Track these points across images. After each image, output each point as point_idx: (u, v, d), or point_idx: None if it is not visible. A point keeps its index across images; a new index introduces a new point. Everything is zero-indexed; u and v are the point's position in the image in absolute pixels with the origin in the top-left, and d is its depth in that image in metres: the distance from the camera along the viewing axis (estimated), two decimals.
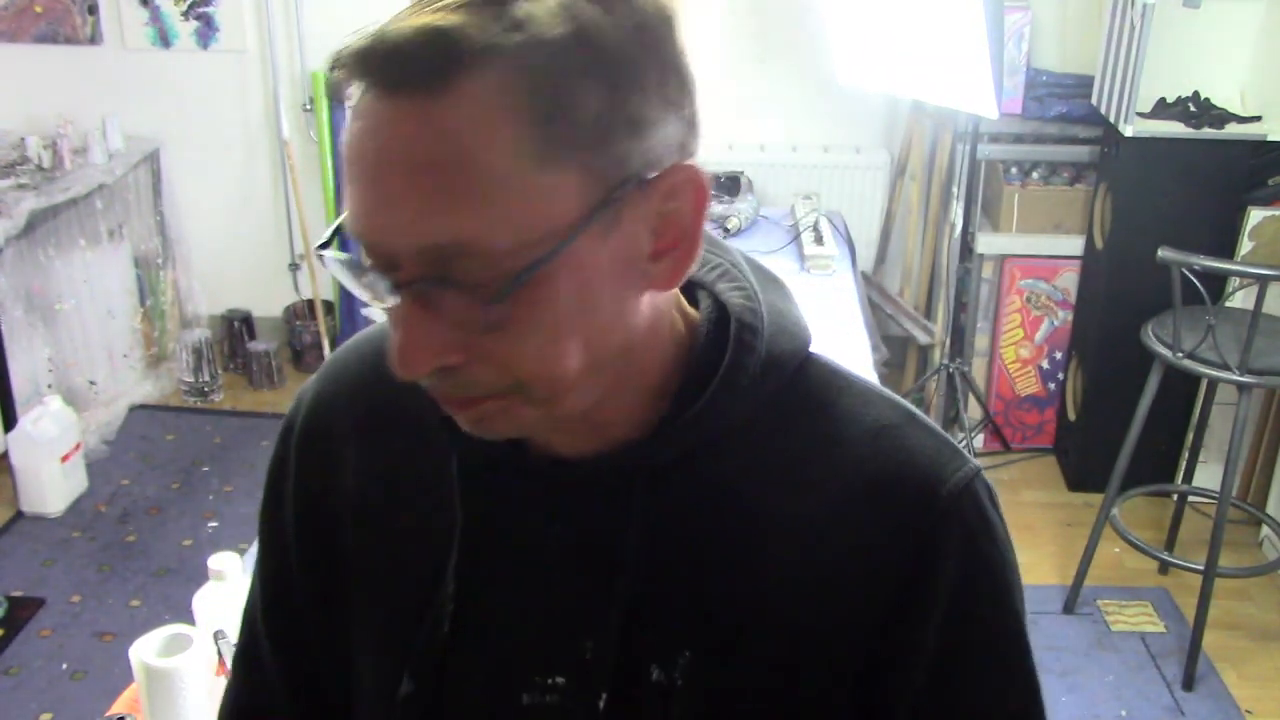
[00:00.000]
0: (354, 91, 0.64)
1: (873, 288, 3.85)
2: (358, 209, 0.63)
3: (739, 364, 0.75)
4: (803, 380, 0.78)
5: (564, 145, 0.61)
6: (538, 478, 0.77)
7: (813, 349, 0.81)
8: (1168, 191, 3.23)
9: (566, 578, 0.77)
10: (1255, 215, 3.19)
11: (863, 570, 0.74)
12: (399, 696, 0.79)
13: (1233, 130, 3.19)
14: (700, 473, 0.75)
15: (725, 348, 0.75)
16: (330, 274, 0.69)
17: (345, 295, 4.11)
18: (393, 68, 0.61)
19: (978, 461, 0.79)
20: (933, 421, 0.80)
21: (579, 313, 0.65)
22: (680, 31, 0.65)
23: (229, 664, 1.35)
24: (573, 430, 0.75)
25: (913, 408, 0.80)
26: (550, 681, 0.77)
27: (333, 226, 0.67)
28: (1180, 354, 2.73)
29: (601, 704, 0.75)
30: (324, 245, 0.67)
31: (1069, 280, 3.61)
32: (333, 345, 4.15)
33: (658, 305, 0.72)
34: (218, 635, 1.38)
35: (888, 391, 0.81)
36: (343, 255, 0.67)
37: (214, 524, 3.35)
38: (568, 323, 0.64)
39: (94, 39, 3.97)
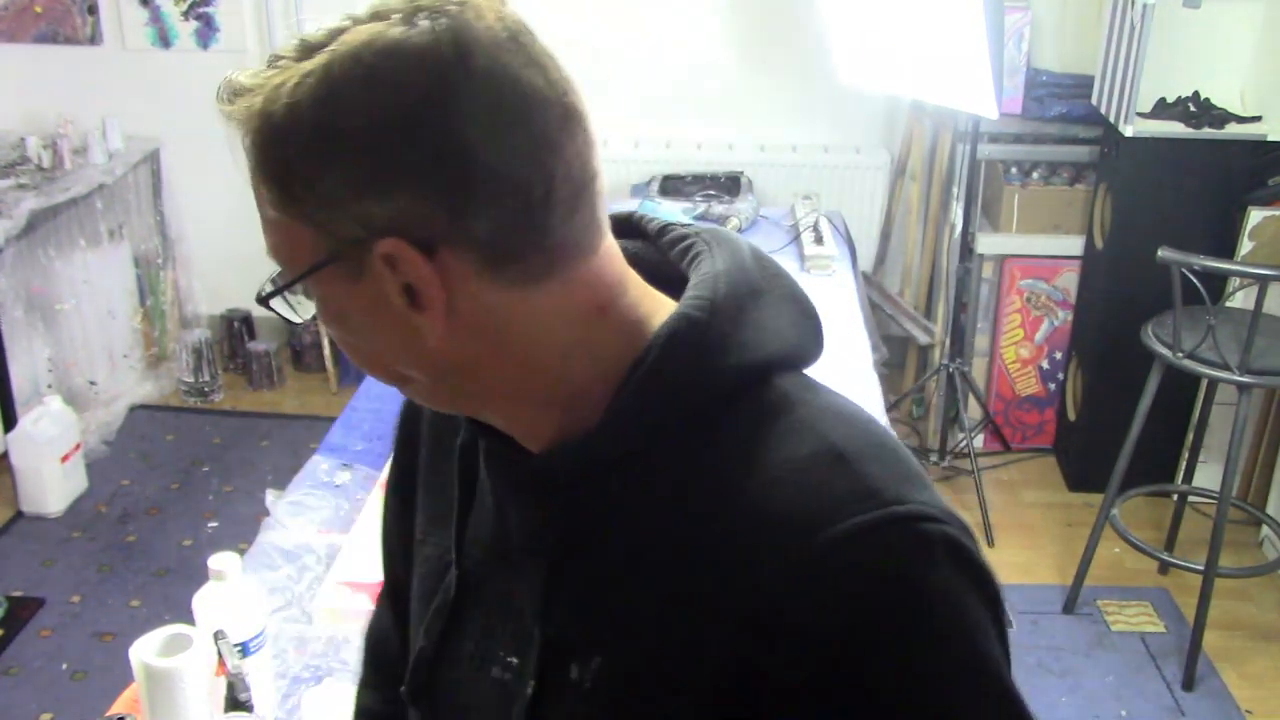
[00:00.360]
0: None
1: (873, 288, 3.85)
2: None
3: (660, 370, 0.74)
4: (752, 398, 0.75)
5: (293, 203, 0.72)
6: (504, 465, 0.82)
7: (798, 369, 0.78)
8: (1168, 191, 3.23)
9: (529, 564, 0.80)
10: (1255, 215, 3.19)
11: (738, 609, 0.70)
12: (414, 650, 0.88)
13: (1233, 130, 3.19)
14: (624, 480, 0.76)
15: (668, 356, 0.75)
16: None
17: None
18: (223, 108, 0.77)
19: (937, 511, 0.70)
20: (875, 462, 0.72)
21: (362, 332, 0.75)
22: (470, 117, 0.68)
23: (229, 663, 1.35)
24: (525, 424, 0.79)
25: (848, 448, 0.73)
26: (508, 660, 0.82)
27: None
28: (1180, 354, 2.73)
29: (529, 691, 0.78)
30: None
31: (1069, 280, 3.61)
32: (333, 345, 4.16)
33: (536, 328, 0.74)
34: (218, 635, 1.38)
35: (833, 427, 0.74)
36: None
37: (214, 524, 3.35)
38: (360, 337, 0.76)
39: (94, 39, 3.97)
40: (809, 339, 0.80)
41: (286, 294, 0.77)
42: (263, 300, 0.78)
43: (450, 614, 0.86)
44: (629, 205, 3.27)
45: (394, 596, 1.04)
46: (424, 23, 0.69)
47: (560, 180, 0.71)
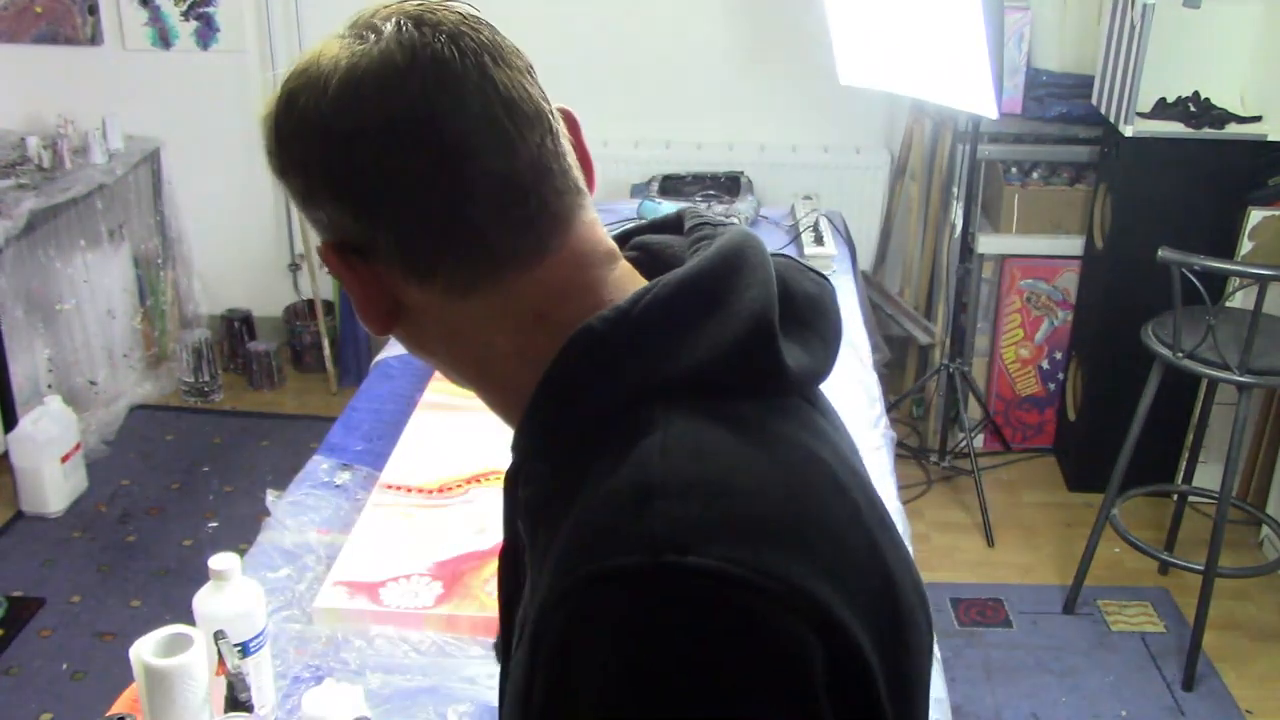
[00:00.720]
0: None
1: (873, 288, 3.85)
2: None
3: (547, 380, 0.74)
4: (628, 420, 0.70)
5: (293, 196, 0.78)
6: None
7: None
8: (1168, 191, 3.23)
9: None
10: (1255, 215, 3.19)
11: (530, 636, 0.67)
12: None
13: (1233, 130, 3.19)
14: (530, 487, 0.78)
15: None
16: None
17: (345, 295, 4.11)
18: None
19: (741, 572, 0.61)
20: (685, 507, 0.64)
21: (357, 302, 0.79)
22: (365, 137, 0.72)
23: (229, 663, 1.35)
24: (505, 419, 0.82)
25: (675, 485, 0.65)
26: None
27: None
28: (1180, 354, 2.73)
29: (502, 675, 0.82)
30: None
31: (1069, 280, 3.61)
32: (333, 345, 4.16)
33: (477, 332, 0.77)
34: (218, 635, 1.38)
35: (679, 462, 0.67)
36: None
37: (214, 524, 3.35)
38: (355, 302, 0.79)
39: (94, 39, 3.97)
40: (742, 364, 0.72)
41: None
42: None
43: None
44: (629, 205, 3.28)
45: None
46: (347, 40, 0.74)
47: (481, 198, 0.73)
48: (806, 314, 0.79)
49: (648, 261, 0.83)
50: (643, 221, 0.88)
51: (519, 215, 0.74)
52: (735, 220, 0.87)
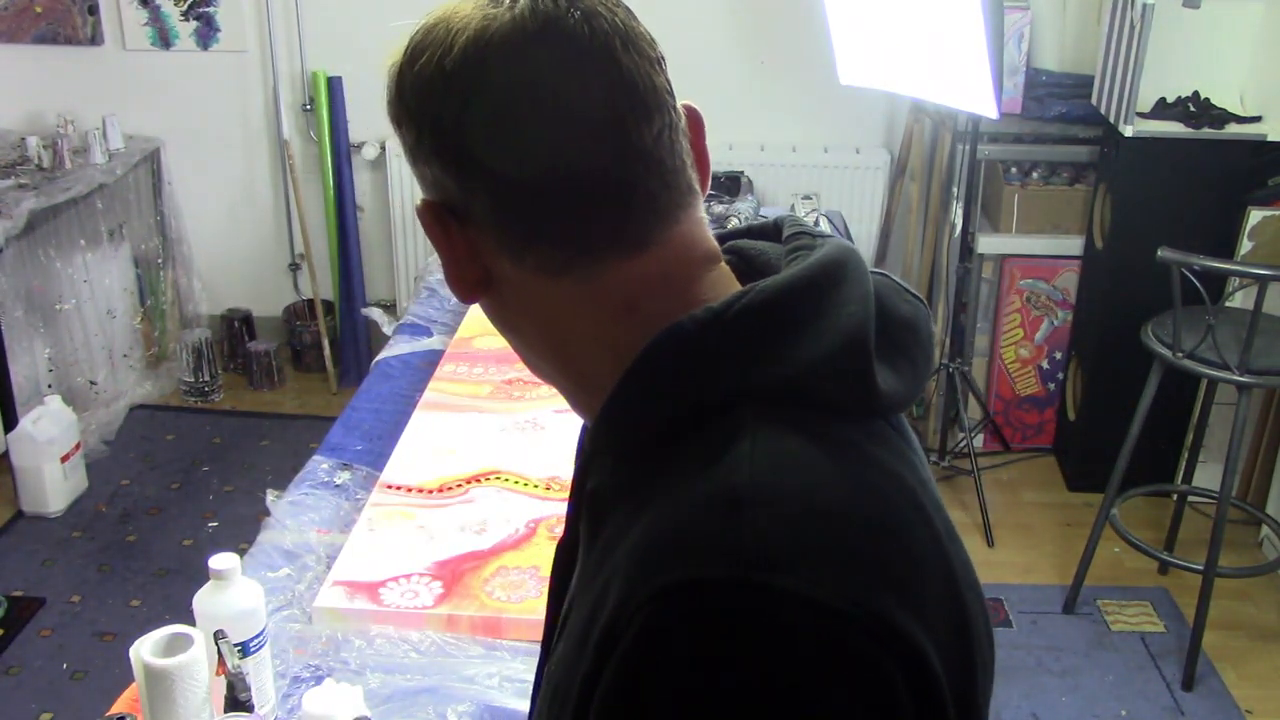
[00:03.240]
0: None
1: None
2: None
3: (632, 374, 0.73)
4: (717, 423, 0.69)
5: (404, 148, 0.78)
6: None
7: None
8: (1168, 191, 3.23)
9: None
10: (1255, 215, 3.19)
11: (592, 642, 0.66)
12: None
13: (1233, 130, 3.19)
14: (612, 468, 0.77)
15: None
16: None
17: (345, 295, 4.11)
18: None
19: (831, 599, 0.60)
20: (773, 523, 0.63)
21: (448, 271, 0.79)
22: (474, 108, 0.73)
23: (229, 663, 1.35)
24: (576, 405, 0.83)
25: (763, 498, 0.64)
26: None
27: None
28: (1180, 354, 2.73)
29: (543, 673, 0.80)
30: None
31: (1069, 280, 3.61)
32: (333, 345, 4.16)
33: (563, 315, 0.77)
34: (218, 635, 1.38)
35: (768, 474, 0.66)
36: None
37: (214, 524, 3.35)
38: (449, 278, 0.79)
39: (94, 39, 3.97)
40: (834, 381, 0.70)
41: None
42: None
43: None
44: None
45: None
46: (484, 2, 0.73)
47: (586, 181, 0.72)
48: (900, 336, 0.77)
49: (741, 267, 0.81)
50: (739, 226, 0.88)
51: (622, 204, 0.73)
52: (834, 234, 0.84)
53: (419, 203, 0.78)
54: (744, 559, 0.61)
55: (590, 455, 0.79)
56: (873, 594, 0.62)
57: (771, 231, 0.85)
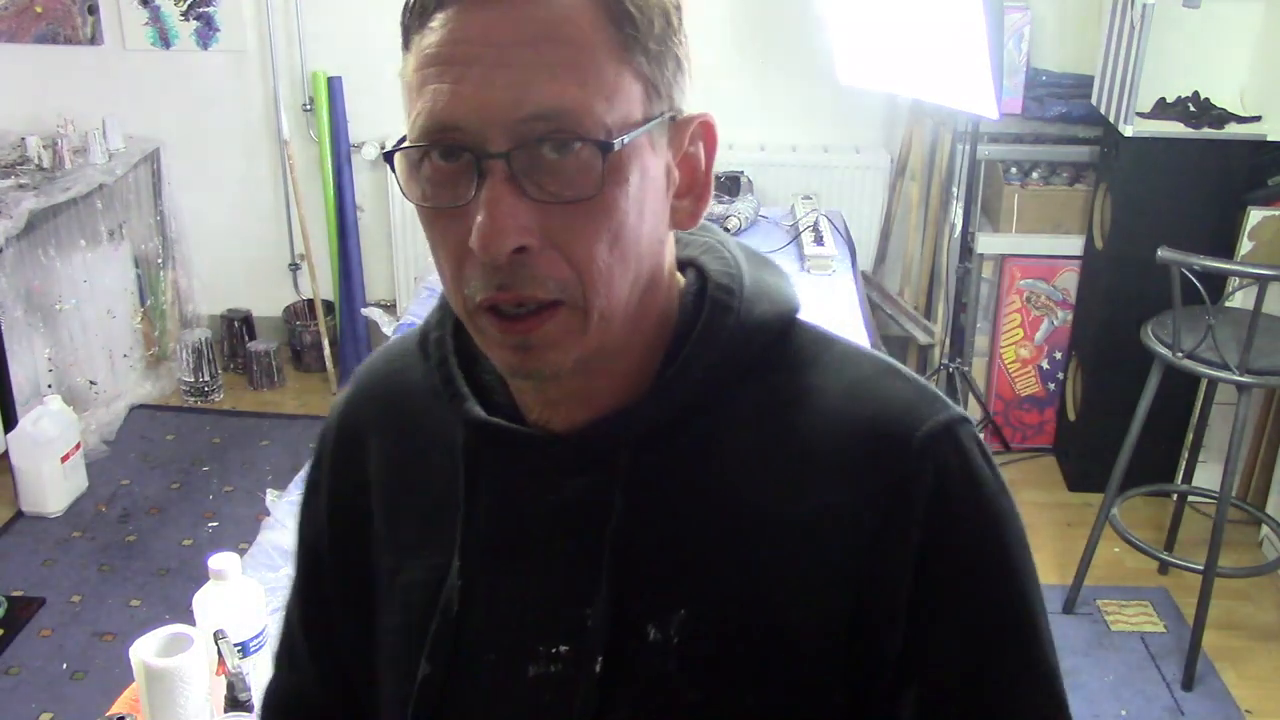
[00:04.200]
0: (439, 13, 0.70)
1: (873, 288, 3.85)
2: (451, 94, 0.68)
3: (714, 324, 0.78)
4: (787, 343, 0.81)
5: (632, 52, 0.70)
6: (533, 451, 0.80)
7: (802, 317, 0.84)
8: (1168, 191, 3.23)
9: (564, 548, 0.80)
10: (1255, 215, 3.19)
11: (840, 522, 0.75)
12: (418, 679, 0.82)
13: (1233, 130, 3.19)
14: (686, 434, 0.78)
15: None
16: (396, 179, 0.73)
17: (345, 295, 4.11)
18: None
19: (963, 412, 0.79)
20: (915, 375, 0.81)
21: (636, 214, 0.71)
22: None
23: (229, 663, 1.35)
24: (565, 401, 0.79)
25: (894, 363, 0.82)
26: (554, 651, 0.79)
27: (401, 137, 0.72)
28: (1180, 354, 2.73)
29: (598, 667, 0.77)
30: (389, 153, 0.72)
31: (1069, 280, 3.61)
32: (333, 345, 4.16)
33: (667, 256, 0.80)
34: (218, 635, 1.38)
35: (871, 350, 0.83)
36: (419, 145, 0.71)
37: (214, 524, 3.35)
38: (628, 220, 0.71)
39: (94, 39, 3.97)
40: (796, 295, 0.85)
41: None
42: (589, 165, 0.70)
43: (456, 629, 0.82)
44: None
45: (316, 654, 0.98)
46: None
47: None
48: None
49: None
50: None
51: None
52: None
53: (707, 119, 0.77)
54: (941, 399, 0.79)
55: (636, 412, 0.77)
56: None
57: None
